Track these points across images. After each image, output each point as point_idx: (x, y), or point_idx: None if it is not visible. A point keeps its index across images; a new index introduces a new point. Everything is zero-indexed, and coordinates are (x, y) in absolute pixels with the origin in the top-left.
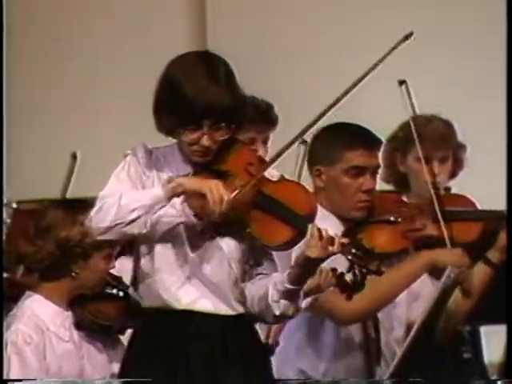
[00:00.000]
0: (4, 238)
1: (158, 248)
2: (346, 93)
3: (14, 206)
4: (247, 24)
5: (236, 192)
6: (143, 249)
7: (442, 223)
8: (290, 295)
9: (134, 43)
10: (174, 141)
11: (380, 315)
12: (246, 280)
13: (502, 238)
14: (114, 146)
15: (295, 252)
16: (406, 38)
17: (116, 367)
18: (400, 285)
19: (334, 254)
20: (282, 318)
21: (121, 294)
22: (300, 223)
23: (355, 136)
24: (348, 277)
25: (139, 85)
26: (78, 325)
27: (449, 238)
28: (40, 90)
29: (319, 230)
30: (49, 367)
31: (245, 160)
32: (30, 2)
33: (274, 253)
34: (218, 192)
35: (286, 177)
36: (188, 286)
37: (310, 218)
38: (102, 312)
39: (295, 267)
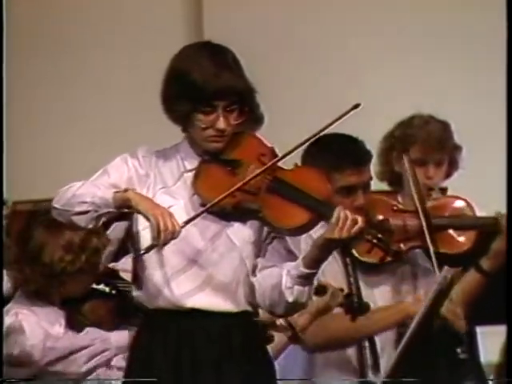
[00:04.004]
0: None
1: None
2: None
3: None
4: (244, 15)
5: (186, 220)
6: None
7: (428, 239)
8: (304, 280)
9: (132, 43)
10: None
11: None
12: (256, 273)
13: (495, 245)
14: (113, 148)
15: (303, 240)
16: (354, 107)
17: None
18: (371, 329)
19: (356, 235)
20: (294, 307)
21: (113, 292)
22: (318, 206)
23: (342, 155)
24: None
25: (138, 83)
26: (71, 326)
27: (440, 249)
28: (40, 90)
29: (345, 212)
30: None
31: (257, 151)
32: (29, 10)
33: (291, 244)
34: (163, 222)
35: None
36: (195, 284)
37: (328, 201)
38: (93, 312)
39: (313, 250)
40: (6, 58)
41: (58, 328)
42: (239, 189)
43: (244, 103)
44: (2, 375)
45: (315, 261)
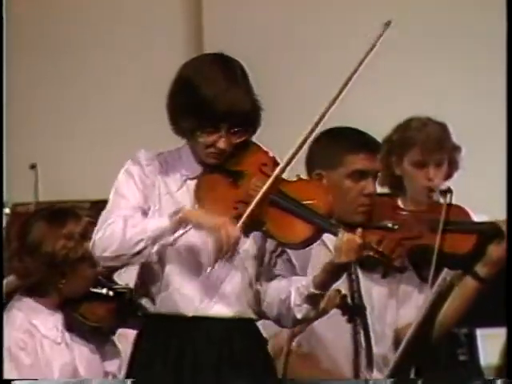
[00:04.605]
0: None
1: (171, 254)
2: (346, 84)
3: (7, 211)
4: (244, 15)
5: (241, 222)
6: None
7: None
8: (313, 299)
9: (132, 43)
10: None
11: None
12: (261, 281)
13: (491, 251)
14: (113, 148)
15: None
16: (387, 25)
17: (108, 366)
18: None
19: (363, 255)
20: (302, 322)
21: (110, 293)
22: (320, 221)
23: (356, 140)
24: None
25: (138, 83)
26: (69, 327)
27: (442, 248)
28: (40, 90)
29: (349, 234)
30: (42, 370)
31: (259, 161)
32: (29, 10)
33: (292, 255)
34: (225, 231)
35: (302, 177)
36: (201, 291)
37: (329, 215)
38: (92, 313)
39: (323, 273)
40: (6, 58)
41: (56, 332)
42: (241, 201)
43: (249, 124)
44: (1, 375)
45: (325, 283)
